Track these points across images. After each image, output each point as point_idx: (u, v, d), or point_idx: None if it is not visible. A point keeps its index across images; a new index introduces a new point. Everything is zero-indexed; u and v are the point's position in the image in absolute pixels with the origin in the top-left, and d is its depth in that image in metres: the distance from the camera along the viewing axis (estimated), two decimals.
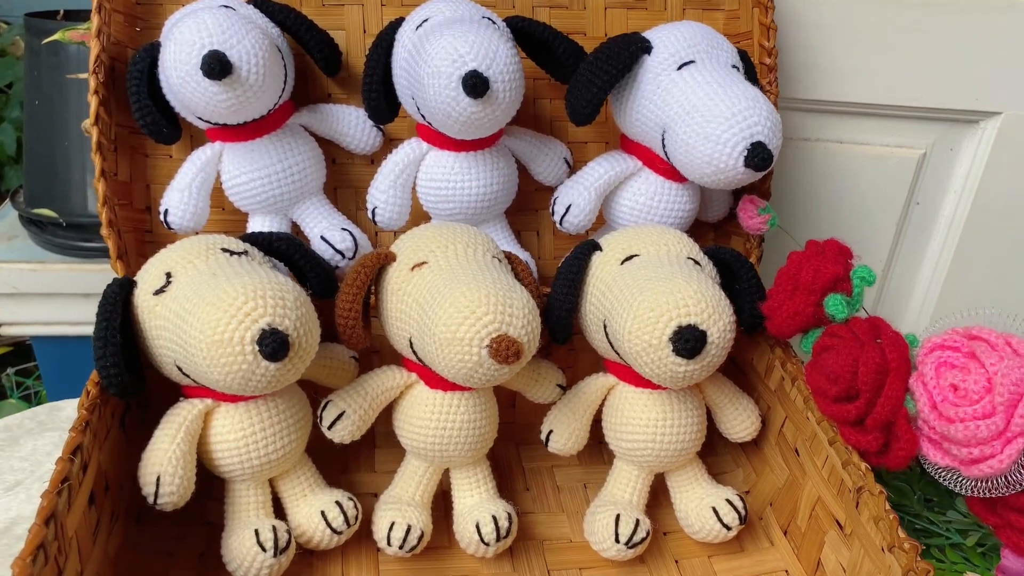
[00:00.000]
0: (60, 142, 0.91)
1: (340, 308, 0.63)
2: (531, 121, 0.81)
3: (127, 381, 0.58)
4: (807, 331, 0.66)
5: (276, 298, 0.55)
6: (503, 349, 0.56)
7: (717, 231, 0.84)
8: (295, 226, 0.76)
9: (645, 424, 0.67)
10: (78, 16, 0.93)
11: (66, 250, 0.93)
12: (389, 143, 0.80)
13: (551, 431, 0.70)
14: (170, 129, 0.70)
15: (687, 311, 0.59)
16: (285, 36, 0.73)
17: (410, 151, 0.74)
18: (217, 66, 0.61)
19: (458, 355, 0.57)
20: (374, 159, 0.80)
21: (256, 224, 0.74)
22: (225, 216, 0.77)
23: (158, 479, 0.58)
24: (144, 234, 0.77)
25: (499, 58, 0.64)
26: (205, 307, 0.54)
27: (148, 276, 0.60)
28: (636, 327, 0.60)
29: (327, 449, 0.69)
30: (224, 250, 0.61)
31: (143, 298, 0.59)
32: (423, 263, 0.62)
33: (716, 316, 0.59)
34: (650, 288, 0.61)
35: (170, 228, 0.72)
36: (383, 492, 0.69)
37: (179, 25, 0.63)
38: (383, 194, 0.74)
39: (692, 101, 0.66)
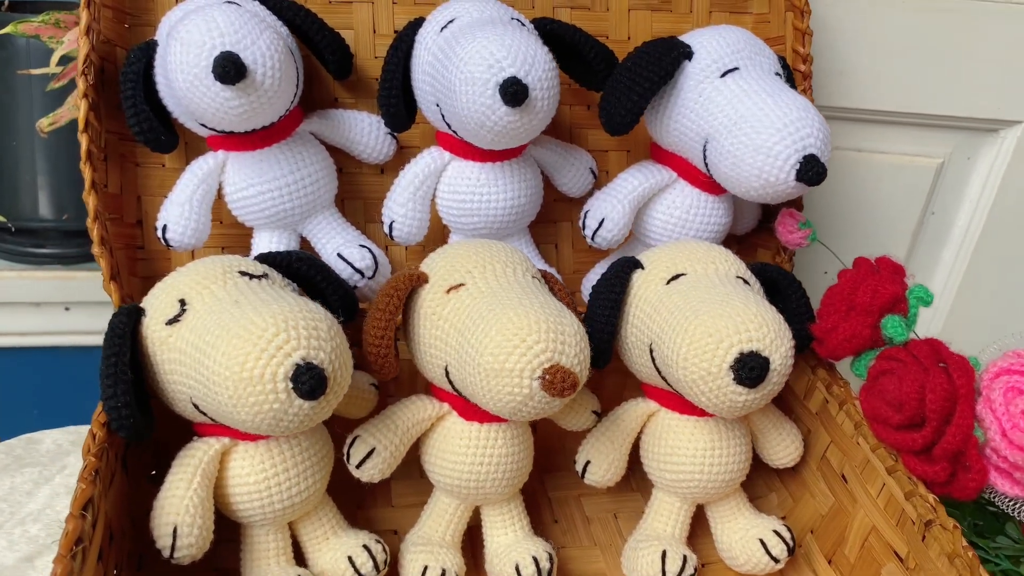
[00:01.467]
0: (8, 142, 0.84)
1: (371, 336, 0.57)
2: (550, 127, 0.76)
3: (140, 423, 0.52)
4: (860, 353, 0.63)
5: (310, 328, 0.50)
6: (558, 381, 0.51)
7: (741, 243, 0.81)
8: (304, 241, 0.70)
9: (692, 454, 0.63)
10: (24, 7, 0.85)
11: (15, 256, 0.87)
12: (400, 151, 0.74)
13: (588, 462, 0.66)
14: (168, 137, 0.64)
15: (748, 336, 0.55)
16: (293, 36, 0.67)
17: (431, 161, 0.68)
18: (232, 69, 0.55)
19: (507, 387, 0.52)
20: (384, 168, 0.75)
21: (262, 240, 0.68)
22: (224, 230, 0.71)
23: (175, 531, 0.52)
24: (135, 250, 0.70)
25: (538, 63, 0.59)
26: (231, 339, 0.49)
27: (158, 303, 0.54)
28: (693, 353, 0.55)
29: (340, 483, 0.63)
30: (242, 273, 0.55)
31: (153, 328, 0.53)
32: (460, 285, 0.57)
33: (779, 341, 0.56)
34: (706, 311, 0.57)
35: (169, 246, 0.66)
36: (406, 531, 0.65)
37: (185, 23, 0.57)
38: (402, 207, 0.68)
39: (739, 111, 0.62)
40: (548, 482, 0.75)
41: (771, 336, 0.55)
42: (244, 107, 0.58)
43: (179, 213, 0.65)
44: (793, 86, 0.70)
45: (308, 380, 0.48)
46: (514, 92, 0.58)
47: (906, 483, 0.59)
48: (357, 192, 0.75)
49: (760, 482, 0.76)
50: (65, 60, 0.77)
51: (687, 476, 0.64)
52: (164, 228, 0.65)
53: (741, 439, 0.64)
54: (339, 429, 0.62)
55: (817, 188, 0.90)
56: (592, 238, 0.70)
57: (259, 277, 0.56)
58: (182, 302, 0.53)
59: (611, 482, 0.66)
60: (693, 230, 0.70)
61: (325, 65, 0.69)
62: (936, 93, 0.85)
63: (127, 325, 0.52)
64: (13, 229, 0.86)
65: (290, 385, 0.48)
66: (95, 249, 0.64)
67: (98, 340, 0.90)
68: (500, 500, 0.63)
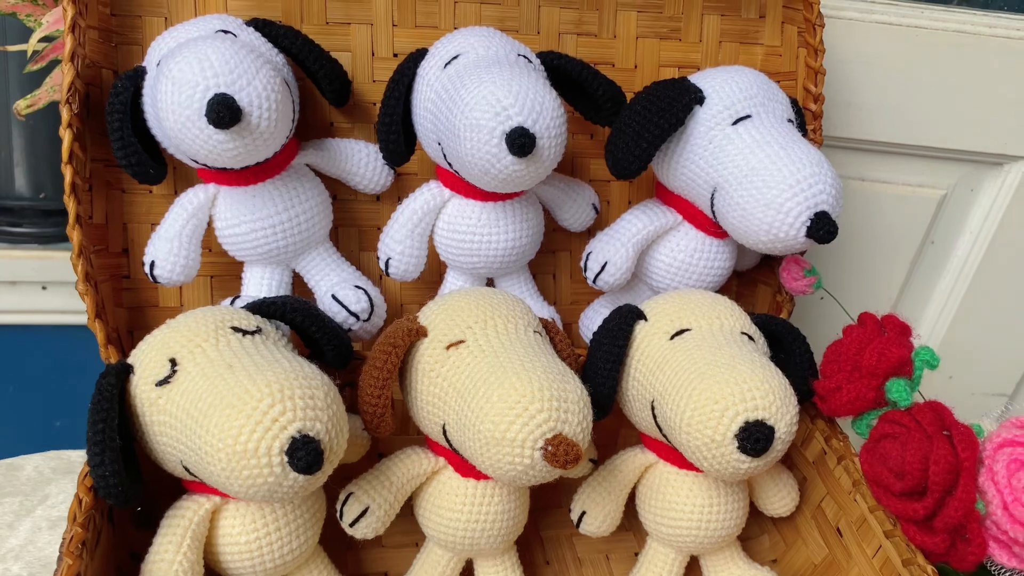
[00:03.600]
0: None
1: (366, 395, 0.56)
2: None
3: (128, 490, 0.50)
4: (862, 413, 0.62)
5: (306, 398, 0.48)
6: (560, 453, 0.50)
7: (742, 278, 0.80)
8: (297, 276, 0.68)
9: (690, 510, 0.62)
10: None
11: None
12: (398, 178, 0.72)
13: (584, 512, 0.65)
14: (157, 169, 0.61)
15: (755, 405, 0.54)
16: (288, 61, 0.64)
17: (430, 198, 0.66)
18: (227, 115, 0.53)
19: (507, 457, 0.50)
20: (380, 196, 0.72)
21: (253, 275, 0.66)
22: (215, 259, 0.69)
23: None
24: (121, 280, 0.68)
25: (546, 111, 0.57)
26: (224, 410, 0.47)
27: (148, 362, 0.52)
28: (697, 420, 0.54)
29: (330, 523, 0.62)
30: (235, 329, 0.53)
31: (143, 388, 0.51)
32: (460, 342, 0.56)
33: (784, 409, 0.55)
34: (711, 375, 0.55)
35: (156, 282, 0.63)
36: (398, 573, 0.64)
37: (176, 60, 0.54)
38: (399, 244, 0.66)
39: (751, 162, 0.60)
40: (540, 521, 0.74)
41: (777, 404, 0.54)
42: (238, 149, 0.56)
43: (167, 249, 0.62)
44: (804, 133, 0.69)
45: (304, 456, 0.46)
46: (521, 144, 0.55)
47: (904, 550, 0.58)
48: (352, 220, 0.73)
49: (753, 523, 0.75)
50: (45, 39, 0.74)
51: (684, 531, 0.63)
52: (152, 264, 0.62)
53: (739, 494, 0.64)
54: (330, 481, 0.60)
55: None
56: (594, 281, 0.68)
57: (252, 333, 0.54)
58: (173, 362, 0.51)
59: (606, 533, 0.65)
60: (696, 274, 0.69)
61: (322, 93, 0.66)
62: (943, 126, 0.84)
63: (115, 387, 0.50)
64: None
65: (285, 459, 0.47)
66: (79, 287, 0.61)
67: (75, 319, 0.89)
68: (494, 553, 0.62)
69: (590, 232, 0.74)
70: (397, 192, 0.72)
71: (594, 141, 0.75)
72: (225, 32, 0.60)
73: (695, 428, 0.55)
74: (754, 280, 0.79)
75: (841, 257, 0.92)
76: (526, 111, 0.56)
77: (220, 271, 0.70)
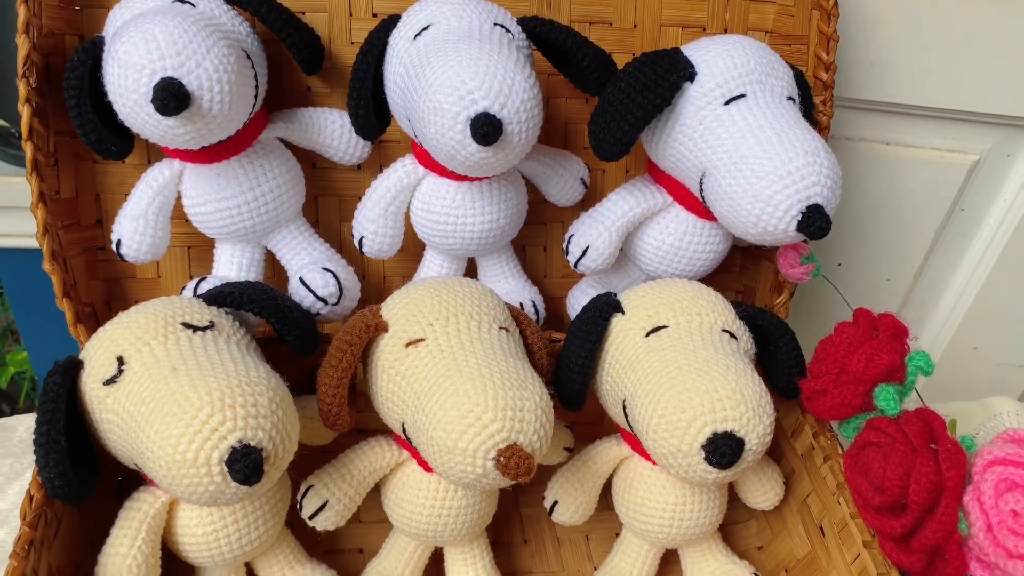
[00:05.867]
0: (7, 44, 0.79)
1: (322, 393, 0.54)
2: (543, 123, 0.70)
3: (75, 490, 0.50)
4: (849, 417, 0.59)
5: (248, 405, 0.47)
6: (512, 465, 0.48)
7: (745, 252, 0.76)
8: (271, 254, 0.66)
9: (663, 507, 0.61)
10: None
11: (23, 161, 0.83)
12: (379, 145, 0.69)
13: (556, 502, 0.63)
14: (120, 145, 0.59)
15: (724, 416, 0.51)
16: (255, 26, 0.61)
17: (404, 176, 0.63)
18: (172, 101, 0.50)
19: (459, 465, 0.49)
20: (361, 165, 0.69)
21: (223, 253, 0.64)
22: (191, 229, 0.67)
23: None
24: (96, 252, 0.67)
25: (515, 93, 0.53)
26: (164, 418, 0.46)
27: (97, 359, 0.51)
28: (664, 428, 0.52)
29: None
30: (186, 325, 0.52)
31: (91, 386, 0.51)
32: (420, 340, 0.53)
33: (756, 420, 0.52)
34: (681, 381, 0.53)
35: (124, 260, 0.62)
36: (372, 550, 0.64)
37: (122, 38, 0.51)
38: (372, 223, 0.64)
39: (740, 149, 0.55)
40: (520, 498, 0.73)
41: (748, 415, 0.52)
42: (191, 134, 0.53)
43: (133, 228, 0.61)
44: (809, 107, 0.63)
45: (243, 467, 0.45)
46: (485, 133, 0.52)
47: (881, 563, 0.56)
48: (331, 189, 0.70)
49: (741, 507, 0.74)
50: None
51: (656, 527, 0.61)
52: (119, 243, 0.61)
53: (714, 492, 0.62)
54: (299, 463, 0.60)
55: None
56: (575, 265, 0.65)
57: (203, 329, 0.52)
58: (120, 360, 0.50)
59: (579, 523, 0.64)
60: (687, 258, 0.65)
61: (295, 60, 0.63)
62: (978, 88, 0.77)
63: (61, 386, 0.50)
64: (19, 135, 0.82)
65: (225, 469, 0.46)
66: (46, 265, 0.61)
67: None
68: (462, 542, 0.62)
69: (583, 203, 0.70)
70: (379, 160, 0.70)
71: (589, 105, 0.70)
72: (183, 2, 0.57)
73: (661, 436, 0.52)
74: (758, 255, 0.75)
75: (863, 222, 0.86)
76: (493, 94, 0.52)
77: (197, 241, 0.68)
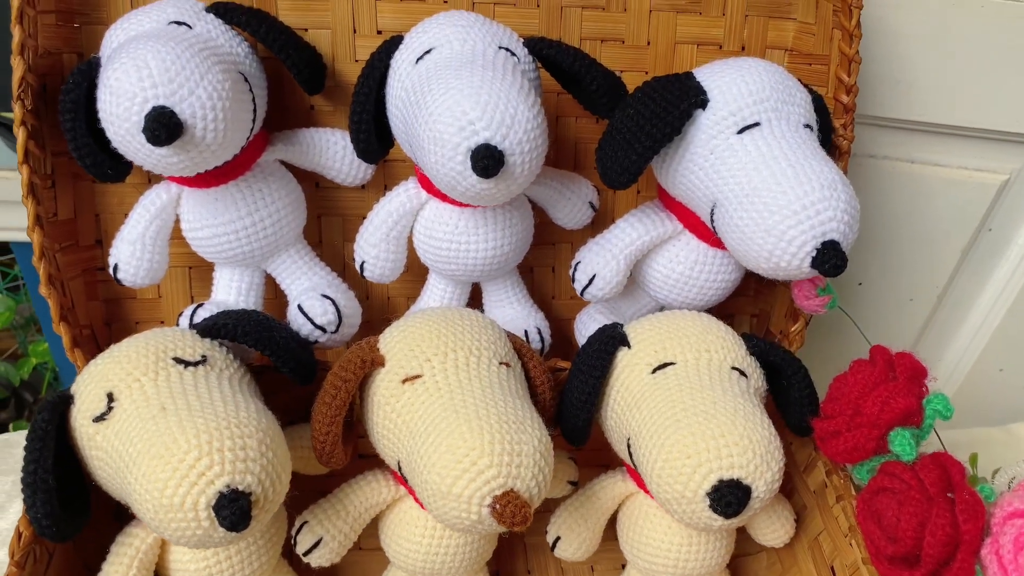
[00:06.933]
0: (11, 38, 0.77)
1: (315, 430, 0.53)
2: (552, 143, 0.68)
3: (62, 529, 0.49)
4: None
5: (236, 449, 0.46)
6: (508, 514, 0.47)
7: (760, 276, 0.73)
8: (271, 278, 0.65)
9: (667, 548, 0.59)
10: None
11: None
12: (385, 166, 0.67)
13: (559, 538, 0.62)
14: (116, 168, 0.58)
15: (731, 463, 0.49)
16: (255, 46, 0.59)
17: (406, 200, 0.61)
18: (162, 132, 0.49)
19: (453, 511, 0.47)
20: (365, 185, 0.68)
21: (223, 277, 0.63)
22: (192, 249, 0.66)
23: None
24: (95, 273, 0.66)
25: (518, 123, 0.51)
26: (151, 460, 0.45)
27: (87, 395, 0.50)
28: (668, 473, 0.50)
29: None
30: (177, 360, 0.51)
31: (81, 421, 0.50)
32: (417, 376, 0.52)
33: (764, 467, 0.50)
34: (687, 424, 0.51)
35: (121, 284, 0.61)
36: None
37: (114, 64, 0.50)
38: (373, 248, 0.62)
39: (753, 181, 0.53)
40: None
41: (756, 462, 0.50)
42: (184, 162, 0.52)
43: (130, 252, 0.60)
44: (828, 133, 0.61)
45: (230, 514, 0.44)
46: (485, 165, 0.50)
47: None
48: (335, 209, 0.69)
49: (751, 539, 0.72)
50: None
51: (661, 567, 0.60)
52: (116, 267, 0.60)
53: (722, 533, 0.60)
54: (297, 495, 0.59)
55: (862, 196, 0.81)
56: (582, 293, 0.63)
57: (195, 364, 0.51)
58: (110, 396, 0.49)
59: (582, 559, 0.63)
60: (697, 287, 0.63)
61: (296, 80, 0.61)
62: (1009, 107, 0.74)
63: (50, 423, 0.49)
64: None
65: (213, 514, 0.45)
66: (42, 289, 0.60)
67: None
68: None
69: (594, 225, 0.68)
70: (384, 181, 0.68)
71: (600, 125, 0.68)
72: (179, 23, 0.55)
73: (665, 481, 0.50)
74: (773, 280, 0.72)
75: (886, 241, 0.84)
76: (495, 125, 0.50)
77: (198, 262, 0.67)
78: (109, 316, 0.67)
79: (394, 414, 0.52)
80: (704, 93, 0.56)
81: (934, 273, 0.86)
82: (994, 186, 0.79)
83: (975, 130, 0.75)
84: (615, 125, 0.57)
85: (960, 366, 0.93)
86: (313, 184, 0.67)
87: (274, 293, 0.68)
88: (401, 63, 0.57)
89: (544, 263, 0.72)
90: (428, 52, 0.55)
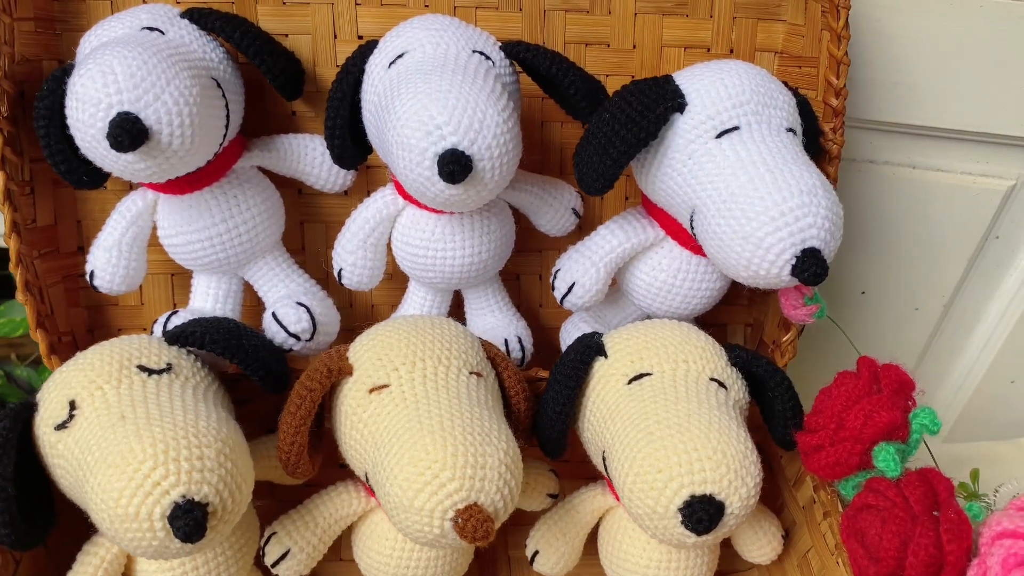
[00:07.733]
0: None
1: (281, 440, 0.52)
2: (537, 148, 0.67)
3: (22, 538, 0.49)
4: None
5: (192, 459, 0.45)
6: (470, 528, 0.45)
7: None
8: (249, 285, 0.64)
9: (647, 564, 0.57)
10: None
11: None
12: (367, 171, 0.67)
13: (537, 552, 0.60)
14: (92, 175, 0.57)
15: (703, 478, 0.48)
16: (230, 52, 0.59)
17: (383, 207, 0.61)
18: (126, 138, 0.48)
19: (415, 525, 0.46)
20: (348, 191, 0.67)
21: (200, 284, 0.63)
22: None
23: None
24: (76, 280, 0.66)
25: (486, 128, 0.50)
26: (107, 469, 0.44)
27: (50, 403, 0.49)
28: (639, 487, 0.49)
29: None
30: (141, 368, 0.50)
31: (44, 429, 0.49)
32: (384, 386, 0.51)
33: (738, 483, 0.48)
34: (659, 437, 0.49)
35: (98, 291, 0.61)
36: None
37: (81, 71, 0.50)
38: (351, 255, 0.61)
39: (731, 187, 0.52)
40: (509, 539, 0.70)
41: (729, 477, 0.48)
42: (151, 168, 0.51)
43: (106, 259, 0.60)
44: (815, 137, 0.59)
45: (184, 525, 0.44)
46: (451, 171, 0.49)
47: None
48: (317, 215, 0.68)
49: (736, 554, 0.70)
50: None
51: None
52: (92, 274, 0.60)
53: (703, 549, 0.58)
54: (270, 503, 0.58)
55: (861, 205, 0.79)
56: (561, 301, 0.62)
57: (160, 372, 0.51)
58: (72, 404, 0.49)
59: (561, 574, 0.61)
60: (680, 296, 0.61)
61: (273, 86, 0.61)
62: (1014, 111, 0.71)
63: (11, 431, 0.48)
64: None
65: (168, 525, 0.44)
66: (19, 296, 0.60)
67: None
68: None
69: (581, 231, 0.67)
70: (366, 186, 0.67)
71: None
72: (152, 29, 0.55)
73: (636, 496, 0.49)
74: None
75: (888, 249, 0.81)
76: (462, 130, 0.49)
77: (180, 268, 0.66)
78: (91, 323, 0.67)
79: (361, 424, 0.51)
80: (682, 96, 0.54)
81: (940, 282, 0.84)
82: (1000, 192, 0.76)
83: (977, 134, 0.73)
84: (591, 130, 0.55)
85: (970, 378, 0.90)
86: (296, 190, 0.67)
87: (255, 300, 0.67)
88: (375, 67, 0.56)
89: (531, 271, 0.71)
90: (401, 56, 0.55)
